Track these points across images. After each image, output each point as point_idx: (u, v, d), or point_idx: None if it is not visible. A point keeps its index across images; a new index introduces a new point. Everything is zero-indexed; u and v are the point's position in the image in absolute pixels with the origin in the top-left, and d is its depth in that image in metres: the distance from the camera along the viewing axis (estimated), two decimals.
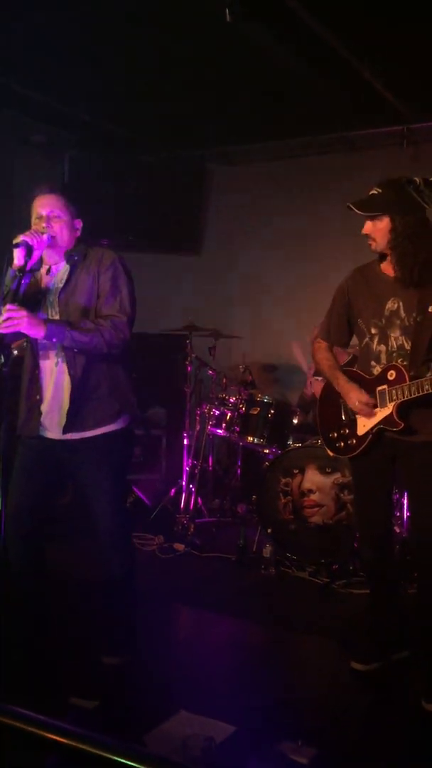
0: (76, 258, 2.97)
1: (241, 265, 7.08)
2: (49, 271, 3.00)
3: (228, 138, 6.44)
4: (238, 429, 5.06)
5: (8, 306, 2.67)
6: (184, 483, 5.42)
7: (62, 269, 2.99)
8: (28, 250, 2.75)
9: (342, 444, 3.14)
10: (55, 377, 2.94)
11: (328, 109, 5.57)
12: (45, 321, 2.80)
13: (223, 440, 5.77)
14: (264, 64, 4.79)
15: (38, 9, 4.12)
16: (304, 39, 4.29)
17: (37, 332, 2.74)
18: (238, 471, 5.79)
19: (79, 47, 4.73)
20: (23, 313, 2.68)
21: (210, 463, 5.87)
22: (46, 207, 2.93)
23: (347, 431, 3.11)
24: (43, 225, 2.88)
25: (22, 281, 2.77)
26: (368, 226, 2.91)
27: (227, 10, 3.86)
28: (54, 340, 2.80)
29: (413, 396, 2.78)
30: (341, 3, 3.96)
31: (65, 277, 2.96)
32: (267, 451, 5.05)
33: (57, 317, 2.93)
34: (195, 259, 7.03)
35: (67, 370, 2.91)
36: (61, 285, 2.95)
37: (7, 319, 2.63)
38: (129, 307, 2.95)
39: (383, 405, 2.90)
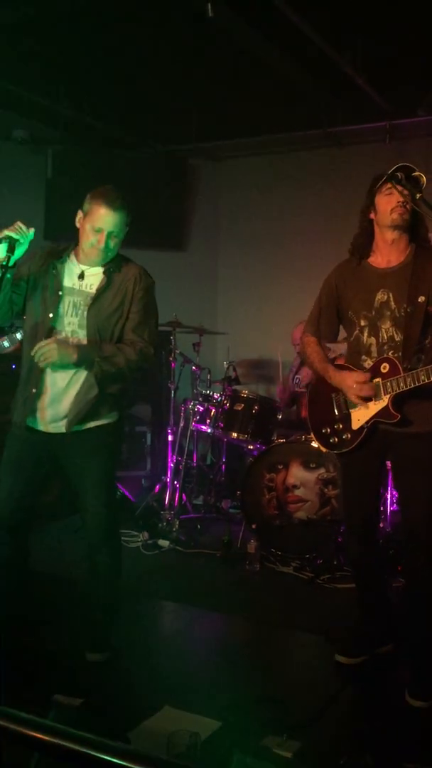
0: (112, 270, 3.01)
1: (226, 261, 7.07)
2: (82, 275, 2.99)
3: (212, 134, 6.43)
4: (222, 425, 5.06)
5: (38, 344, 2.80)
6: (168, 479, 5.41)
7: (95, 274, 3.00)
8: (11, 244, 2.76)
9: (336, 439, 3.12)
10: (63, 375, 2.93)
11: (311, 105, 5.58)
12: (76, 348, 2.85)
13: (208, 436, 5.76)
14: (247, 60, 4.79)
15: (21, 3, 4.09)
16: (288, 35, 4.29)
17: (69, 360, 2.83)
18: (223, 467, 5.79)
19: (62, 42, 4.71)
20: (53, 346, 2.78)
21: (194, 460, 5.87)
22: None
23: (341, 426, 3.09)
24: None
25: (5, 276, 2.78)
26: None
27: (209, 5, 3.85)
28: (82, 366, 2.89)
29: (409, 387, 2.79)
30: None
31: (100, 285, 2.97)
32: (251, 446, 5.05)
33: (75, 319, 2.94)
34: (179, 255, 7.01)
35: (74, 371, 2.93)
36: (92, 291, 2.96)
37: (41, 355, 2.78)
38: (155, 335, 3.10)
39: (378, 398, 2.91)
